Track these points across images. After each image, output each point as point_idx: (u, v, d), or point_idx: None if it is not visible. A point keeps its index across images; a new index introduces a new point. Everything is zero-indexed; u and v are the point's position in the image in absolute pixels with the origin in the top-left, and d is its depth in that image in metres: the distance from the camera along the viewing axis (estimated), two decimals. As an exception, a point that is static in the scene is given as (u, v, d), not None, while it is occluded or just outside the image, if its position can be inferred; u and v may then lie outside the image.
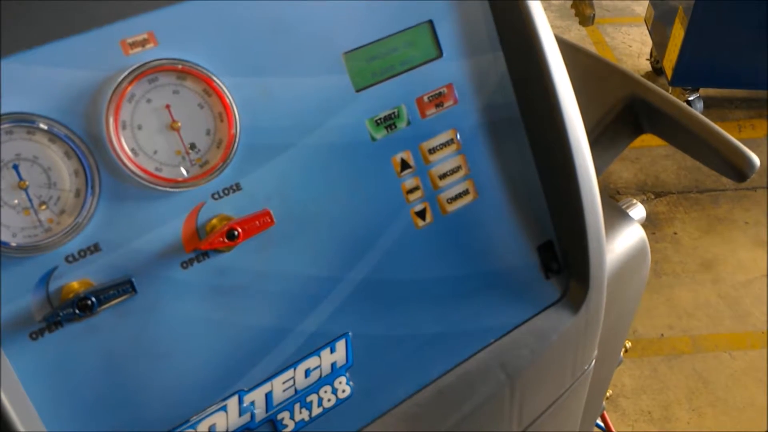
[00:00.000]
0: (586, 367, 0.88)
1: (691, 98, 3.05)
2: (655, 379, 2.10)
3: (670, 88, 3.03)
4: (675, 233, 2.59)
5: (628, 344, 1.31)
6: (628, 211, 0.99)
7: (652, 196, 2.74)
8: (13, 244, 0.50)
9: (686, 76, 2.97)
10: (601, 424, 1.49)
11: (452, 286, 0.72)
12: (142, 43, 0.54)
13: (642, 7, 3.66)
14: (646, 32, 3.39)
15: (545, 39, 0.70)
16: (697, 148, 0.97)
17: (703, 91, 3.11)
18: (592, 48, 3.60)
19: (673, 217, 2.66)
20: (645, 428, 1.97)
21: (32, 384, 0.52)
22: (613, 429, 1.47)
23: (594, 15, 2.87)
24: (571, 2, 2.79)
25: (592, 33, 3.79)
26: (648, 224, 0.91)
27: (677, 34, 2.88)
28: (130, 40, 0.53)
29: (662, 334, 2.24)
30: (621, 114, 1.01)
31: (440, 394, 0.70)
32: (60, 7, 0.51)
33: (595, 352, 0.88)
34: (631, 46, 3.71)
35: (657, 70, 3.34)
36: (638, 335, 2.22)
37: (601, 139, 1.01)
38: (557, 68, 0.70)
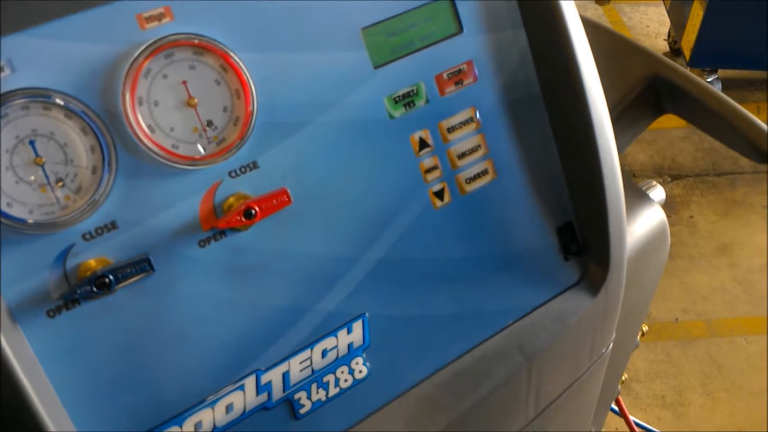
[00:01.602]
0: (603, 351, 0.87)
1: (709, 79, 3.00)
2: (669, 364, 2.09)
3: (689, 69, 2.98)
4: (691, 216, 2.56)
5: (645, 328, 1.29)
6: (647, 192, 0.97)
7: (669, 179, 2.71)
8: (30, 221, 0.50)
9: (705, 57, 2.92)
10: (615, 408, 1.49)
11: (470, 267, 0.71)
12: (159, 17, 0.53)
13: (660, -13, 3.60)
14: (664, 12, 3.34)
15: (569, 15, 0.68)
16: (720, 129, 0.95)
17: (722, 72, 3.06)
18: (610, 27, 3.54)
19: (690, 200, 2.63)
20: (658, 413, 1.97)
21: (49, 361, 0.52)
22: (627, 413, 1.46)
23: (611, -6, 2.83)
24: (588, -19, 2.74)
25: (608, 12, 3.73)
26: (664, 207, 0.90)
27: (696, 14, 2.82)
28: (146, 15, 0.53)
29: (677, 318, 2.23)
30: (642, 93, 0.99)
31: (457, 376, 0.70)
32: (76, -20, 0.50)
33: (613, 336, 0.87)
34: (648, 26, 3.65)
35: (675, 51, 3.29)
36: (652, 319, 2.21)
37: (621, 118, 0.99)
38: (581, 46, 0.69)
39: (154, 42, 0.52)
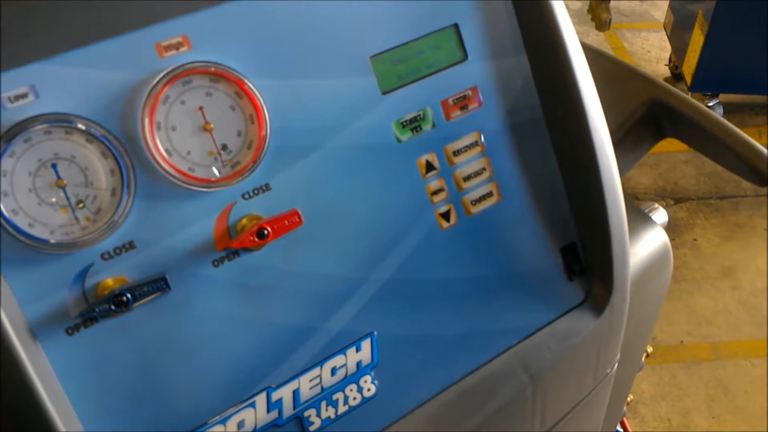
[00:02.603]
0: (608, 371, 0.88)
1: (710, 104, 3.03)
2: (675, 386, 2.09)
3: (690, 94, 3.01)
4: (694, 240, 2.57)
5: (650, 349, 1.30)
6: (650, 214, 0.99)
7: (672, 202, 2.73)
8: (53, 242, 0.52)
9: (706, 82, 2.95)
10: (621, 430, 1.48)
11: (476, 287, 0.73)
12: (177, 46, 0.55)
13: (661, 12, 3.65)
14: (665, 38, 3.38)
15: (570, 41, 0.70)
16: (720, 152, 0.96)
17: (723, 96, 3.09)
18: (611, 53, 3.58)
19: (693, 223, 2.64)
20: (664, 435, 1.96)
21: (67, 378, 0.53)
22: (632, 435, 1.46)
23: (610, 20, 2.87)
24: (587, 7, 2.79)
25: (610, 38, 3.78)
26: (667, 230, 0.91)
27: (697, 39, 2.86)
28: (164, 43, 0.55)
29: (681, 341, 2.22)
30: (643, 118, 1.01)
31: (464, 395, 0.71)
32: (97, 10, 0.53)
33: (618, 356, 0.88)
34: (649, 51, 3.69)
35: (676, 76, 3.33)
36: (657, 342, 2.20)
37: (622, 142, 1.01)
38: (582, 71, 0.71)
39: (173, 70, 0.54)
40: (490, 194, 0.72)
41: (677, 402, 2.04)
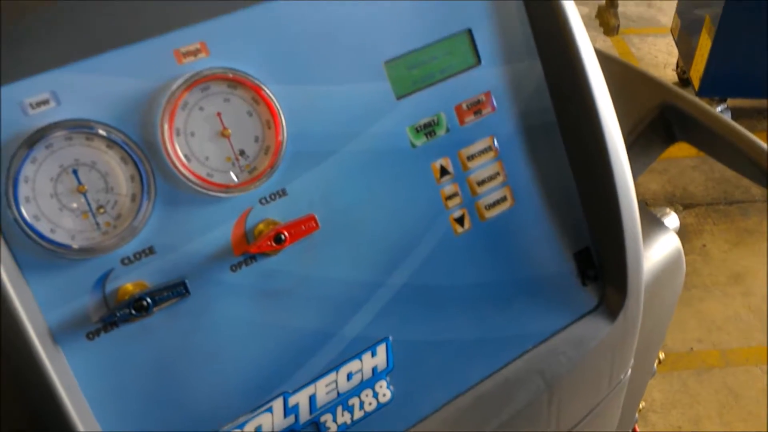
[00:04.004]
0: (622, 376, 0.88)
1: (719, 108, 3.02)
2: (685, 394, 2.08)
3: (698, 99, 3.00)
4: (704, 245, 2.56)
5: (662, 355, 1.30)
6: (662, 219, 0.99)
7: (681, 208, 2.72)
8: (75, 247, 0.52)
9: (714, 87, 2.94)
10: (633, 437, 1.48)
11: (490, 293, 0.73)
12: (195, 52, 0.56)
13: (668, 18, 3.65)
14: (673, 43, 3.38)
15: (582, 45, 0.71)
16: (731, 157, 0.96)
17: (731, 101, 3.08)
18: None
19: (702, 229, 2.63)
20: (676, 443, 1.95)
21: (88, 383, 0.54)
22: (645, 442, 1.45)
23: (618, 25, 2.88)
24: (596, 13, 2.79)
25: (618, 43, 3.78)
26: (677, 236, 0.92)
27: (704, 44, 2.86)
28: (183, 50, 0.55)
29: (692, 348, 2.21)
30: (654, 122, 1.01)
31: (479, 400, 0.71)
32: (116, 17, 0.53)
33: (632, 361, 0.88)
34: (657, 56, 3.69)
35: (684, 81, 3.32)
36: (667, 349, 2.19)
37: (634, 147, 1.01)
38: (595, 75, 0.71)
39: (192, 76, 0.55)
40: (504, 199, 0.73)
41: (688, 409, 2.03)
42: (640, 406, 1.27)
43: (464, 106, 0.69)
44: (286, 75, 0.60)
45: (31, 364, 0.50)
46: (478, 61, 0.70)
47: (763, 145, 0.92)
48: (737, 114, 3.11)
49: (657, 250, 0.91)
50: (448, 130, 0.69)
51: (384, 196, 0.66)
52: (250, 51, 0.58)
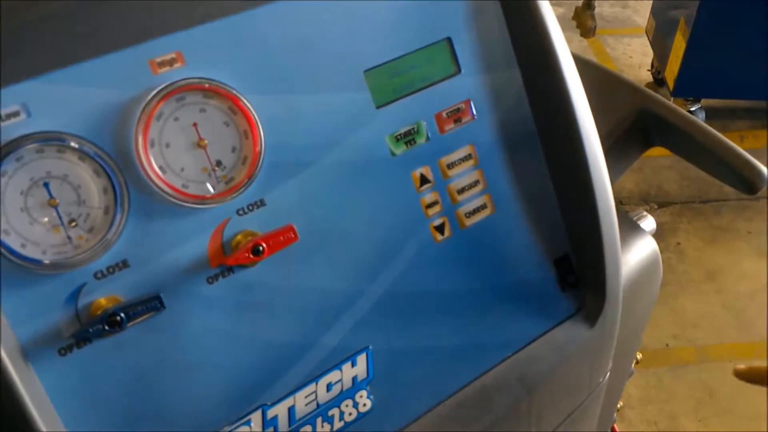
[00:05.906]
0: (601, 380, 0.88)
1: (692, 109, 3.06)
2: (661, 390, 2.10)
3: (672, 99, 3.04)
4: (679, 243, 2.59)
5: (639, 356, 1.31)
6: (639, 222, 0.99)
7: (655, 207, 2.75)
8: (46, 262, 0.51)
9: (688, 87, 2.98)
10: (610, 436, 1.49)
11: (471, 300, 0.73)
12: (170, 62, 0.55)
13: (643, 18, 3.68)
14: (647, 43, 3.41)
15: (561, 54, 0.71)
16: (708, 161, 0.97)
17: (704, 101, 3.13)
18: (593, 59, 3.61)
19: (677, 227, 2.67)
20: (652, 439, 1.97)
21: (60, 400, 0.53)
22: (622, 440, 1.46)
23: (595, 26, 2.89)
24: (572, 14, 2.81)
25: (593, 44, 3.81)
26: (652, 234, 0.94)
27: (679, 45, 2.89)
28: (158, 60, 0.54)
29: (667, 344, 2.24)
30: (631, 127, 1.01)
31: (460, 407, 0.71)
32: (90, 27, 0.52)
33: (610, 365, 0.88)
34: (632, 57, 3.73)
35: (658, 81, 3.36)
36: (643, 345, 2.22)
37: (611, 152, 1.02)
38: (573, 83, 0.71)
39: (167, 86, 0.54)
40: (483, 206, 0.73)
41: (664, 405, 2.06)
42: (618, 405, 1.28)
43: (444, 115, 0.69)
44: (263, 84, 0.59)
45: (0, 381, 0.48)
46: (458, 69, 0.69)
47: (739, 150, 0.93)
48: (711, 114, 3.16)
49: (634, 254, 0.91)
50: (428, 138, 0.68)
51: (364, 205, 0.65)
52: (227, 60, 0.57)
